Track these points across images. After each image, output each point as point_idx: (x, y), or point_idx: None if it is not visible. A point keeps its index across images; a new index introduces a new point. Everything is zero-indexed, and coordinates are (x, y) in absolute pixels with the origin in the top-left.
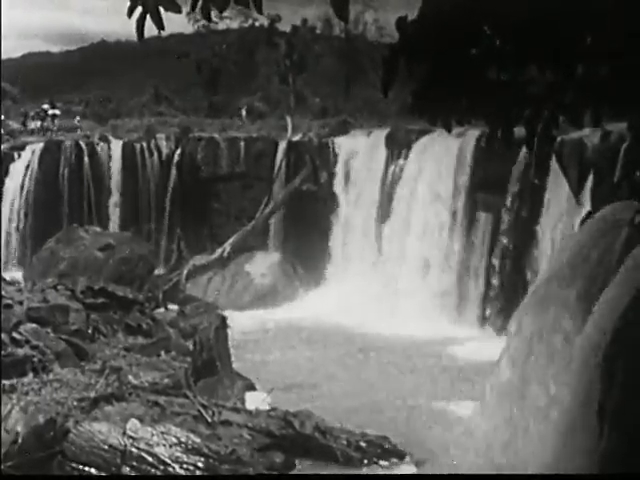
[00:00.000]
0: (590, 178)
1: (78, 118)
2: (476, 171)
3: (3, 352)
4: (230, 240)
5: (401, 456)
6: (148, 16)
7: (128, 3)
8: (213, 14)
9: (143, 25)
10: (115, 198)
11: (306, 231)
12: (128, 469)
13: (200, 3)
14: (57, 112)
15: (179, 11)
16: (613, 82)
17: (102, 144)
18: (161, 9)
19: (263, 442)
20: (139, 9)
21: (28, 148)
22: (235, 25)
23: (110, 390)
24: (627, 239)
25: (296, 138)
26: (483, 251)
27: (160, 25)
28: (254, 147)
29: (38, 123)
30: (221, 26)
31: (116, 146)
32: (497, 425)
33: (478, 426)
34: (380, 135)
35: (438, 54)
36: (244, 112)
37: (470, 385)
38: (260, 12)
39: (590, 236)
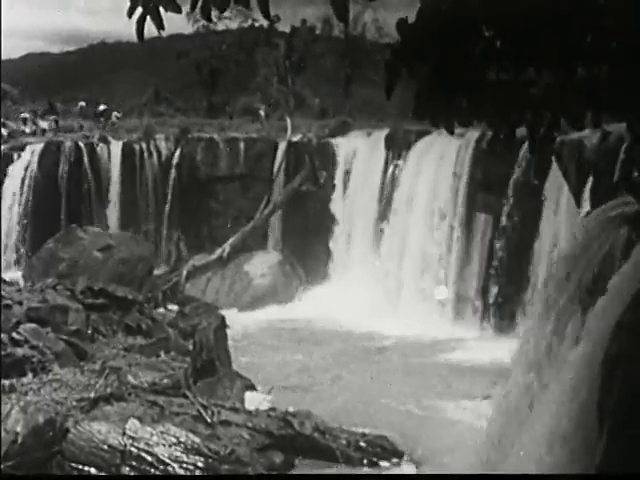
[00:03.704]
0: (590, 178)
1: (116, 114)
2: (475, 172)
3: (3, 352)
4: (230, 240)
5: (401, 456)
6: (148, 17)
7: (128, 3)
8: (213, 14)
9: (143, 26)
10: (114, 198)
11: (305, 231)
12: (127, 469)
13: (200, 3)
14: (106, 107)
15: (179, 11)
16: (613, 83)
17: (101, 145)
18: (161, 10)
19: (262, 442)
20: (139, 9)
21: (28, 149)
22: (234, 25)
23: (109, 390)
24: (627, 238)
25: (296, 139)
26: (483, 252)
27: (160, 25)
28: (254, 148)
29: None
30: (221, 26)
31: (115, 147)
32: (497, 425)
33: (479, 426)
34: (380, 136)
35: (438, 55)
36: (263, 113)
37: (469, 385)
38: (267, 16)
39: (590, 235)
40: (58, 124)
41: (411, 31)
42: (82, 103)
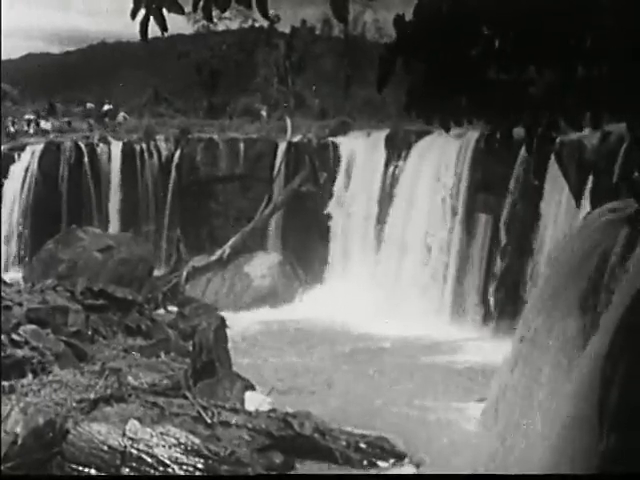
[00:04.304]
0: (590, 179)
1: (124, 115)
2: (476, 172)
3: (3, 353)
4: (230, 242)
5: (401, 457)
6: (151, 18)
7: (131, 5)
8: (214, 14)
9: (147, 27)
10: (114, 199)
11: (306, 232)
12: (127, 470)
13: (202, 3)
14: (110, 106)
15: (182, 12)
16: (613, 83)
17: (102, 145)
18: (164, 11)
19: (262, 443)
20: (142, 11)
21: (28, 149)
22: (235, 26)
23: (109, 391)
24: (627, 239)
25: (296, 139)
26: (483, 252)
27: (163, 27)
28: (253, 148)
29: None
30: (221, 27)
31: (116, 147)
32: (499, 426)
33: (479, 427)
34: (380, 136)
35: (436, 53)
36: (264, 113)
37: (469, 386)
38: (265, 15)
39: (589, 235)
40: (71, 125)
41: (408, 28)
42: (90, 104)
